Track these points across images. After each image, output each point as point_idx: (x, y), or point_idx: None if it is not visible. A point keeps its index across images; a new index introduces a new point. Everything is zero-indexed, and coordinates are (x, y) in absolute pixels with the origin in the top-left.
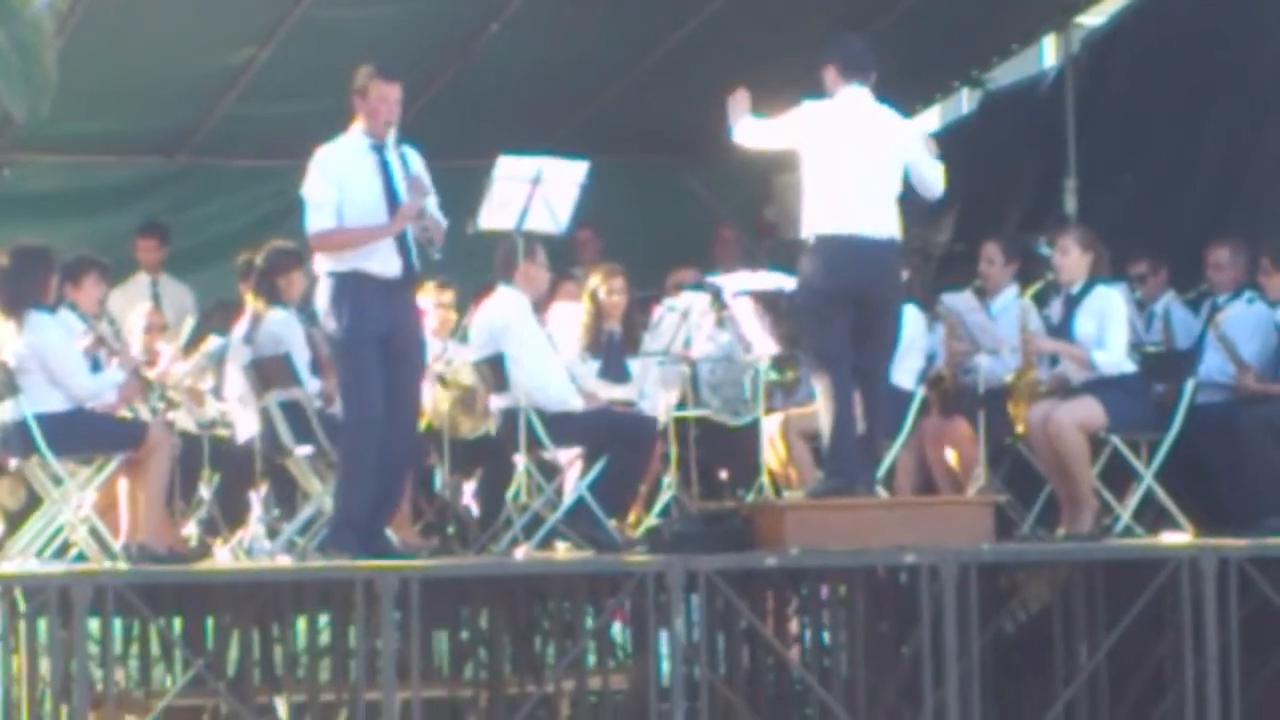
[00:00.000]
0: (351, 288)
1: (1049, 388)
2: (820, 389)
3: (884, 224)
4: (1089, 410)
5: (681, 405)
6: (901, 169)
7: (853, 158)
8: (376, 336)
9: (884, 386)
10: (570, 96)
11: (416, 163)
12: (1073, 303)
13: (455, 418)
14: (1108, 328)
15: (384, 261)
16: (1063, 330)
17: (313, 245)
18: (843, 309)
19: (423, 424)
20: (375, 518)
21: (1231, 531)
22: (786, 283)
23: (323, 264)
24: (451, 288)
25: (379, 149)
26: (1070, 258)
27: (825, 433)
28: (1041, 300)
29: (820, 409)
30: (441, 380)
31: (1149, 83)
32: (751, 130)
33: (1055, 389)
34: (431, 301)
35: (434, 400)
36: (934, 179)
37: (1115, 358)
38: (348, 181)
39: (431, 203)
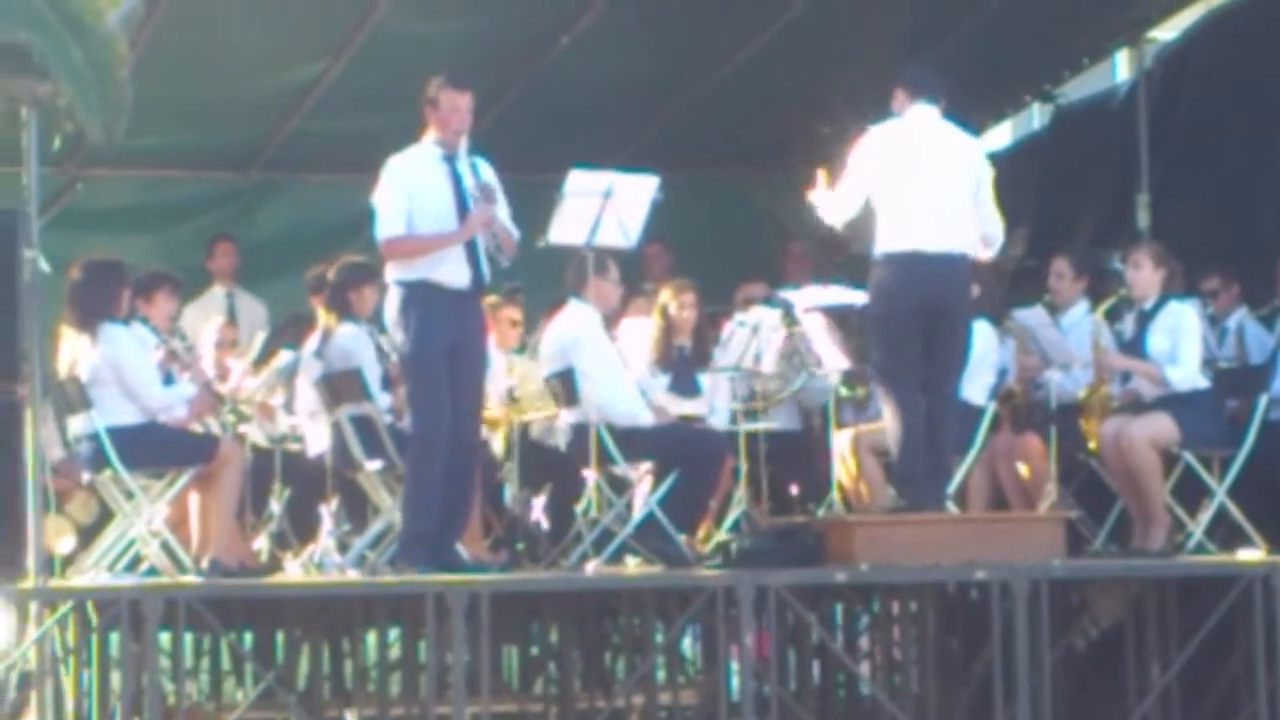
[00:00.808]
0: (420, 298)
1: (1121, 404)
2: (887, 406)
3: (953, 238)
4: (1162, 426)
5: (753, 417)
6: (972, 185)
7: (921, 173)
8: (444, 348)
9: (953, 401)
10: (641, 111)
11: (487, 172)
12: (1145, 319)
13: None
14: (1181, 344)
15: (453, 271)
16: (1135, 346)
17: (382, 251)
18: (912, 325)
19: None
20: (444, 531)
21: None
22: (857, 298)
23: (392, 273)
24: (518, 302)
25: (450, 159)
26: (1143, 273)
27: (894, 450)
28: (1114, 316)
29: (888, 426)
30: (511, 396)
31: (1221, 97)
32: (833, 200)
33: (1128, 405)
34: (501, 315)
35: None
36: (994, 224)
37: (1189, 374)
38: (418, 190)
39: (503, 212)
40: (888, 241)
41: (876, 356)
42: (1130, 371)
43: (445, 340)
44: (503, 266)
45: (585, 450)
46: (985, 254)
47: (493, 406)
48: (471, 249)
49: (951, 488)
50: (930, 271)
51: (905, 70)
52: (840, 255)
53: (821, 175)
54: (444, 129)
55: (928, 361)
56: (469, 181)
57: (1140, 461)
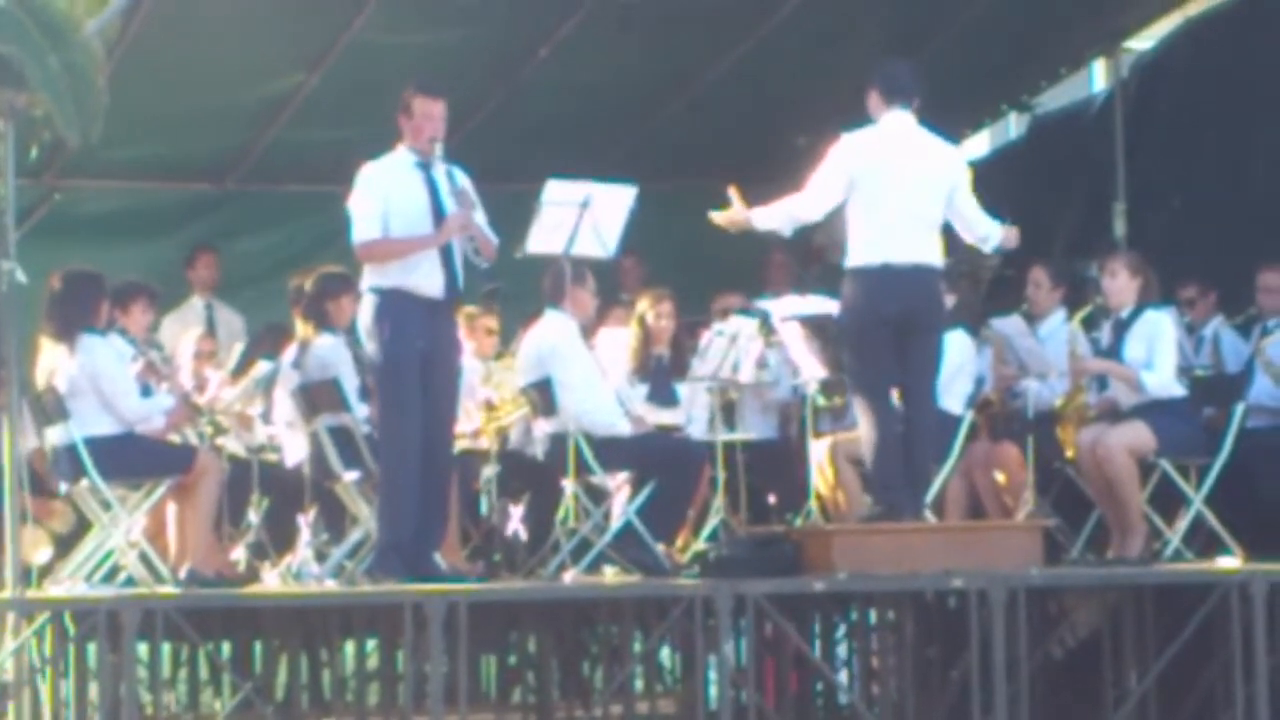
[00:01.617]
0: (394, 306)
1: (1098, 412)
2: (862, 416)
3: (923, 250)
4: (1138, 434)
5: (730, 428)
6: (945, 195)
7: (894, 185)
8: (416, 357)
9: (930, 410)
10: (618, 121)
11: (463, 180)
12: (1122, 327)
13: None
14: (1157, 350)
15: (427, 278)
16: (1112, 355)
17: (358, 255)
18: (883, 335)
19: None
20: (421, 540)
21: None
22: (834, 307)
23: (366, 280)
24: (494, 311)
25: (424, 165)
26: (1119, 282)
27: (868, 459)
28: (1090, 324)
29: (862, 434)
30: (489, 405)
31: (1198, 107)
32: (795, 206)
33: (1104, 413)
34: (473, 325)
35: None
36: (974, 217)
37: (1164, 379)
38: (393, 196)
39: (481, 218)
40: (859, 254)
41: (850, 366)
42: (1106, 375)
43: (417, 349)
44: (481, 269)
45: (563, 460)
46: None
47: (473, 416)
48: (446, 256)
49: (929, 496)
50: (900, 284)
51: (880, 69)
52: (816, 265)
53: (734, 193)
54: (417, 137)
55: (902, 371)
56: (444, 188)
57: (1117, 470)
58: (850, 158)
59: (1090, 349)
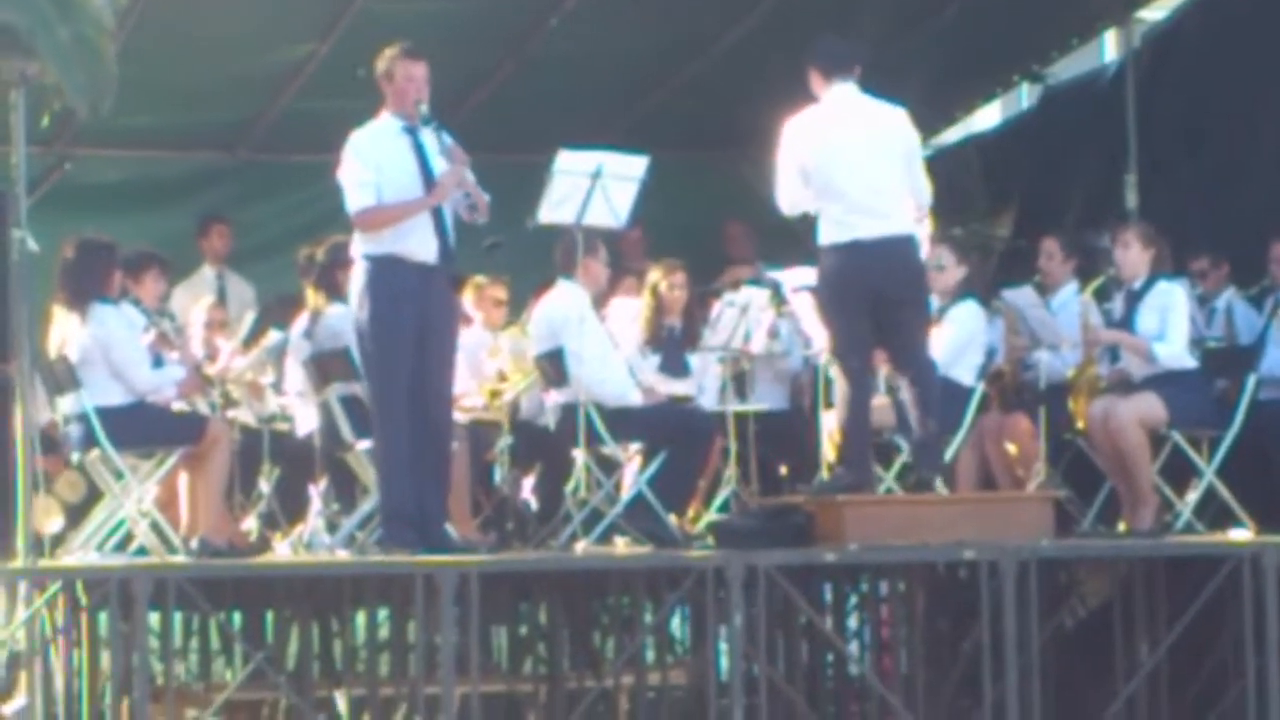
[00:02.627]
0: (386, 273)
1: (1109, 383)
2: (838, 388)
3: (890, 221)
4: (1150, 406)
5: (742, 399)
6: (901, 158)
7: (850, 160)
8: (409, 324)
9: (930, 372)
10: (629, 91)
11: (448, 140)
12: (1134, 298)
13: None
14: (1169, 321)
15: (420, 244)
16: (1124, 326)
17: (355, 224)
18: (860, 310)
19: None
20: (429, 510)
21: None
22: None
23: (358, 247)
24: (502, 281)
25: (411, 130)
26: (1132, 253)
27: (839, 428)
28: (1103, 295)
29: (837, 407)
30: (502, 376)
31: (1210, 77)
32: (780, 198)
33: (1116, 384)
34: (481, 295)
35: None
36: (923, 191)
37: (1176, 350)
38: (383, 163)
39: (470, 176)
40: (828, 233)
41: (829, 340)
42: (1119, 347)
43: (411, 316)
44: (479, 224)
45: (574, 430)
46: (920, 227)
47: (480, 390)
48: (438, 221)
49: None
50: (872, 259)
51: (816, 46)
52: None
53: None
54: (401, 100)
55: (889, 343)
56: (432, 150)
57: (1129, 442)
58: (796, 145)
59: (1102, 320)
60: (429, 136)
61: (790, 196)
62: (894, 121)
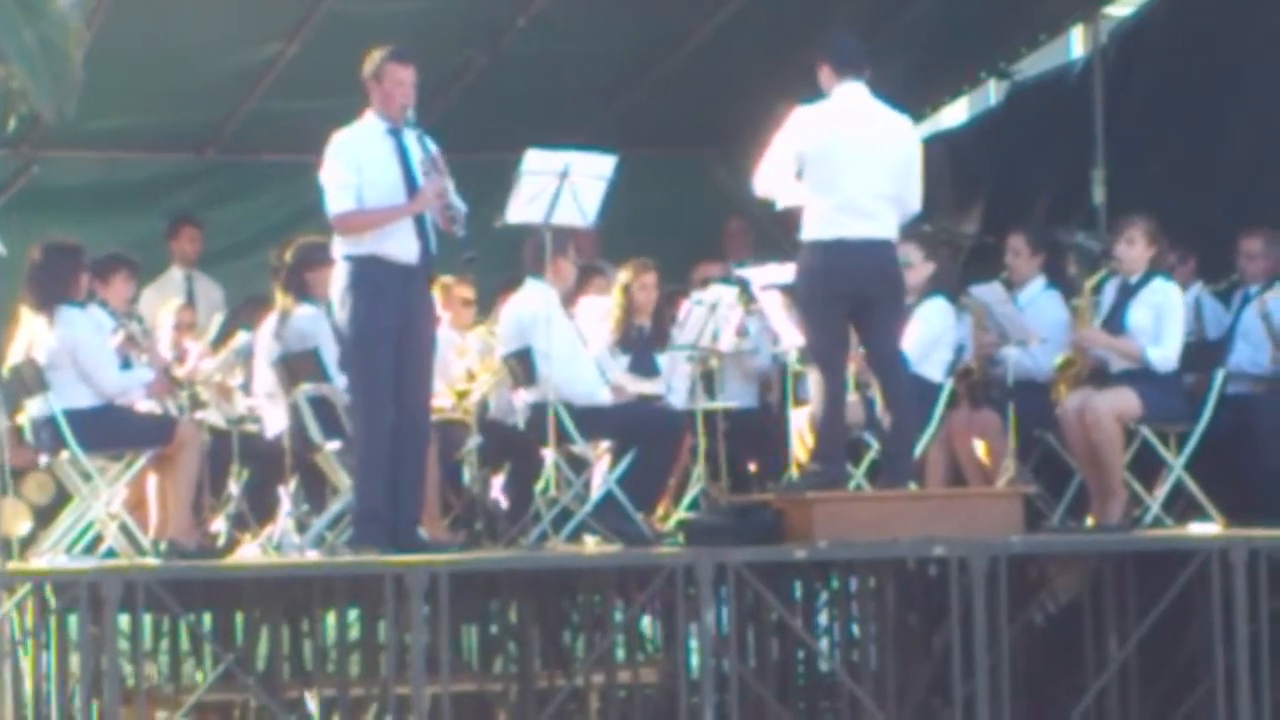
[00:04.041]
0: (368, 274)
1: (1088, 372)
2: (813, 385)
3: (878, 224)
4: (1126, 400)
5: (711, 397)
6: (901, 167)
7: (849, 159)
8: (390, 325)
9: (901, 374)
10: (598, 90)
11: (432, 147)
12: (1129, 292)
13: None
14: (1165, 324)
15: (401, 245)
16: (1115, 318)
17: (334, 226)
18: (837, 311)
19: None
20: (400, 510)
21: (1262, 522)
22: None
23: (340, 248)
24: (470, 281)
25: (395, 133)
26: (1136, 249)
27: (813, 424)
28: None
29: (812, 404)
30: (471, 375)
31: (1177, 73)
32: (759, 177)
33: (1093, 373)
34: (450, 295)
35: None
36: (914, 198)
37: (1169, 354)
38: (366, 165)
39: (449, 186)
40: (814, 228)
41: (805, 336)
42: (1110, 351)
43: (391, 317)
44: (458, 237)
45: (543, 429)
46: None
47: (448, 392)
48: (420, 223)
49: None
50: (856, 260)
51: (829, 41)
52: (795, 233)
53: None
54: (388, 103)
55: (866, 341)
56: (416, 155)
57: (1104, 434)
58: (801, 133)
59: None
60: (412, 141)
61: (770, 180)
62: (899, 128)
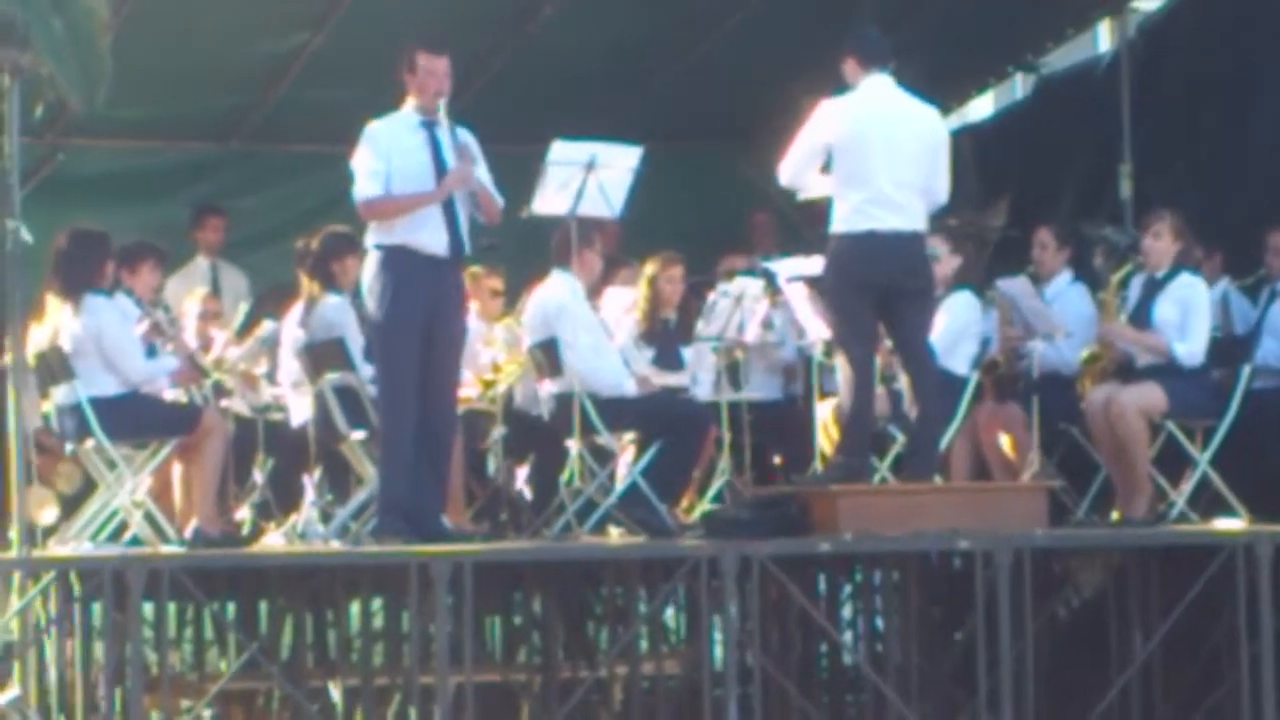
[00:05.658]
0: (397, 264)
1: (1114, 366)
2: (842, 378)
3: (907, 217)
4: (1151, 395)
5: (736, 389)
6: (929, 158)
7: (878, 151)
8: (419, 316)
9: (930, 368)
10: (625, 82)
11: (465, 136)
12: (1155, 287)
13: None
14: (1191, 319)
15: (431, 236)
16: (1141, 313)
17: (360, 212)
18: (866, 303)
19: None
20: (425, 501)
21: None
22: None
23: (370, 237)
24: (499, 272)
25: (429, 124)
26: (1162, 243)
27: (839, 416)
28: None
29: (840, 396)
30: (496, 366)
31: (1205, 67)
32: (785, 167)
33: (1119, 367)
34: (479, 285)
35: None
36: (942, 189)
37: (1195, 349)
38: (396, 153)
39: (485, 176)
40: (843, 220)
41: (833, 329)
42: (1137, 346)
43: (420, 308)
44: (488, 227)
45: (568, 420)
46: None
47: (475, 382)
48: (450, 215)
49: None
50: (886, 253)
51: (854, 36)
52: (822, 226)
53: None
54: (422, 93)
55: (894, 334)
56: (447, 146)
57: (1130, 429)
58: (829, 125)
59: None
60: (445, 131)
61: (795, 169)
62: (927, 118)
